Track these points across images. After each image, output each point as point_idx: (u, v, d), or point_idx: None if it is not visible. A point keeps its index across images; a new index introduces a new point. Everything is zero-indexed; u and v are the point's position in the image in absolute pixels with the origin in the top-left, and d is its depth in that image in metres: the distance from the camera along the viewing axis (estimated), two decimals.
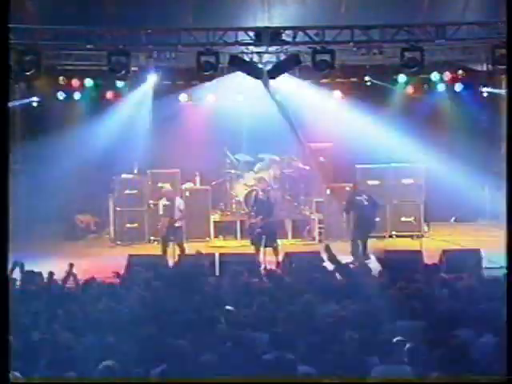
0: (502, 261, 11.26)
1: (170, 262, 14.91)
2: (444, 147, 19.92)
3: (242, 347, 8.41)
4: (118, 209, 19.77)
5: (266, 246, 16.11)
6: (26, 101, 20.30)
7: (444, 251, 14.84)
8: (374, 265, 13.11)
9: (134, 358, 8.33)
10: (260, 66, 19.71)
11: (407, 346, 8.35)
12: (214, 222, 19.99)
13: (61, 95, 20.26)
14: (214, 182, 20.39)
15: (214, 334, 8.94)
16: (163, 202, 16.98)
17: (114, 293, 10.84)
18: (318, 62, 18.03)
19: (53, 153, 20.28)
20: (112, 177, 19.79)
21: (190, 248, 16.52)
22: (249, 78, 17.83)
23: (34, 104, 20.49)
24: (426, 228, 19.73)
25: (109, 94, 20.66)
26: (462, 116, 20.34)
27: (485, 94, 20.53)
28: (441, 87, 20.49)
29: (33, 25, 19.23)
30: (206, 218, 19.78)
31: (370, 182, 19.25)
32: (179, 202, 17.00)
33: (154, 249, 17.77)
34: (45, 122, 20.49)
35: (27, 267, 12.57)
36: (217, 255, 14.58)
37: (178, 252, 16.34)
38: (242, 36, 18.77)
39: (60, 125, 20.25)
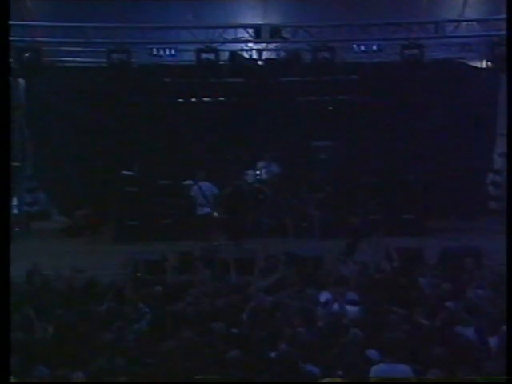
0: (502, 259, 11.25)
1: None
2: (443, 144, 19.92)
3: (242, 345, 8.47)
4: (119, 206, 19.72)
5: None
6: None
7: (444, 248, 14.82)
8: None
9: None
10: (260, 62, 19.76)
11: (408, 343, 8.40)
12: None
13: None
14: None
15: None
16: None
17: None
18: (318, 59, 18.08)
19: (53, 150, 20.34)
20: (112, 174, 19.74)
21: None
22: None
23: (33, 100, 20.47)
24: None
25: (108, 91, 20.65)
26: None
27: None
28: None
29: (32, 22, 19.32)
30: None
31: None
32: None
33: (154, 246, 17.76)
34: (44, 118, 20.48)
35: (27, 265, 12.62)
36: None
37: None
38: (241, 33, 18.82)
39: (59, 121, 20.25)
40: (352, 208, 16.93)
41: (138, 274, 12.43)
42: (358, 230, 15.64)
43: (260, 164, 18.98)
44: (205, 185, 17.11)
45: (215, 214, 17.16)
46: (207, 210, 17.05)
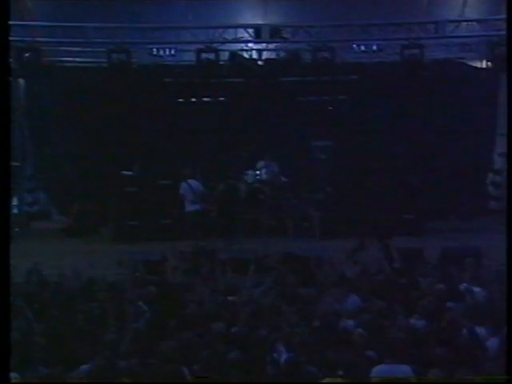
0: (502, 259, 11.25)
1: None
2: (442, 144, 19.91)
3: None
4: (119, 206, 19.70)
5: None
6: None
7: (444, 248, 14.81)
8: None
9: None
10: (260, 62, 19.73)
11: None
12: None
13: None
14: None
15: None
16: None
17: None
18: (318, 59, 18.07)
19: (53, 150, 20.35)
20: (113, 174, 19.72)
21: None
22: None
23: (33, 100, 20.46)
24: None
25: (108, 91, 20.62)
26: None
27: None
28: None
29: (32, 22, 19.32)
30: None
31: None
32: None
33: (154, 246, 17.74)
34: (44, 118, 20.47)
35: (27, 264, 12.62)
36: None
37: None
38: (241, 33, 18.82)
39: (59, 121, 20.25)
40: (379, 207, 16.87)
41: (138, 274, 12.41)
42: (389, 229, 15.46)
43: (260, 164, 18.97)
44: (193, 182, 17.16)
45: (205, 211, 17.21)
46: (196, 207, 17.09)
